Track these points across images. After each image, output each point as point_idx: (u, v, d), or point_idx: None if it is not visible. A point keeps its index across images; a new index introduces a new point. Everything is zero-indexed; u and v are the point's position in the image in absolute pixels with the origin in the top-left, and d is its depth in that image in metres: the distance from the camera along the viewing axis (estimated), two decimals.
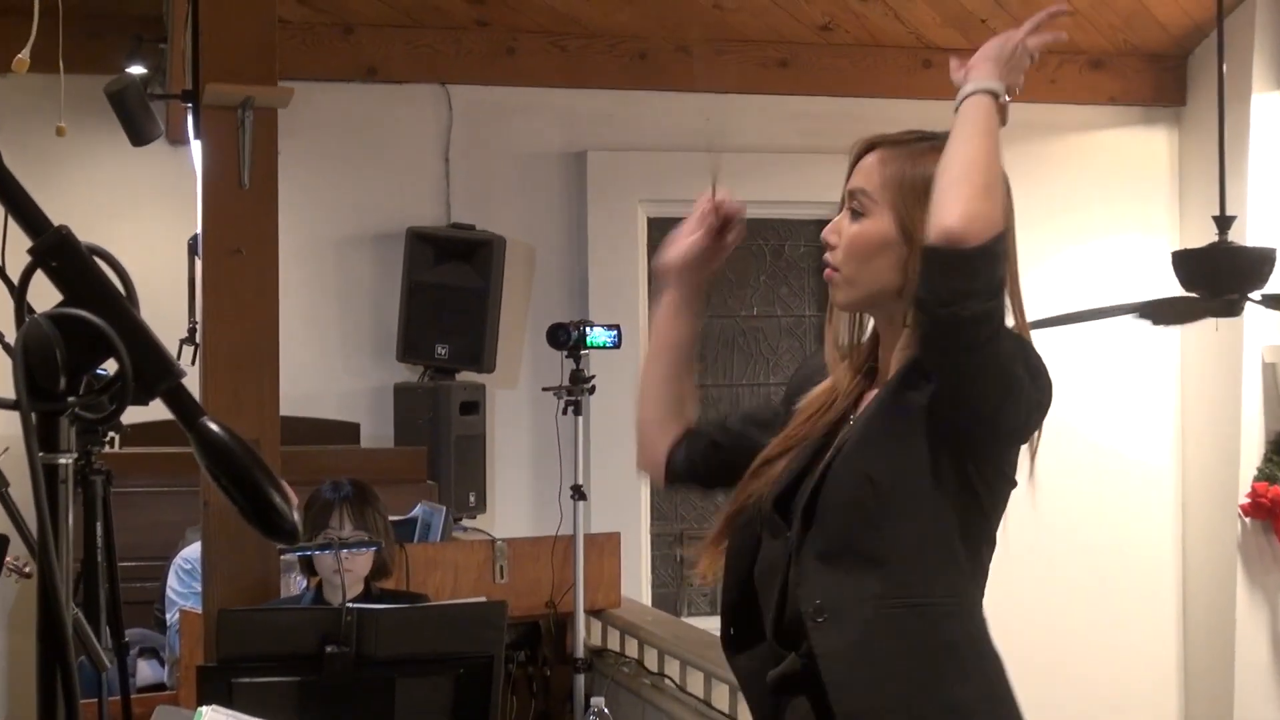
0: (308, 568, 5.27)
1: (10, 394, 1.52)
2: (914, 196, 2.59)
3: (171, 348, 4.88)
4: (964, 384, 2.46)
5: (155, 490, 6.98)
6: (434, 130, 8.65)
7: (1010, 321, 2.57)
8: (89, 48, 7.08)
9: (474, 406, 8.20)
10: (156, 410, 1.62)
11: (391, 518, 5.53)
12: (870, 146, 2.73)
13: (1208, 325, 7.09)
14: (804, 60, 8.94)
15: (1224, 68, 6.95)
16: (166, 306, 7.12)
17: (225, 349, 5.29)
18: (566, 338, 6.33)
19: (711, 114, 8.86)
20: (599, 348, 6.43)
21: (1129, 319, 6.77)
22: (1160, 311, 6.67)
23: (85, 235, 1.56)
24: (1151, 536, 9.38)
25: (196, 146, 5.61)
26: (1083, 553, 9.18)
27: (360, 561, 5.08)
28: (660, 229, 9.01)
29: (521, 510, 8.44)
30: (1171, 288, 6.75)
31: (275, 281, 5.36)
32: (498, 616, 4.81)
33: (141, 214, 8.24)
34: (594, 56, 8.72)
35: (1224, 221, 6.52)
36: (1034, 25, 2.70)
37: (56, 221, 1.55)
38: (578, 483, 6.38)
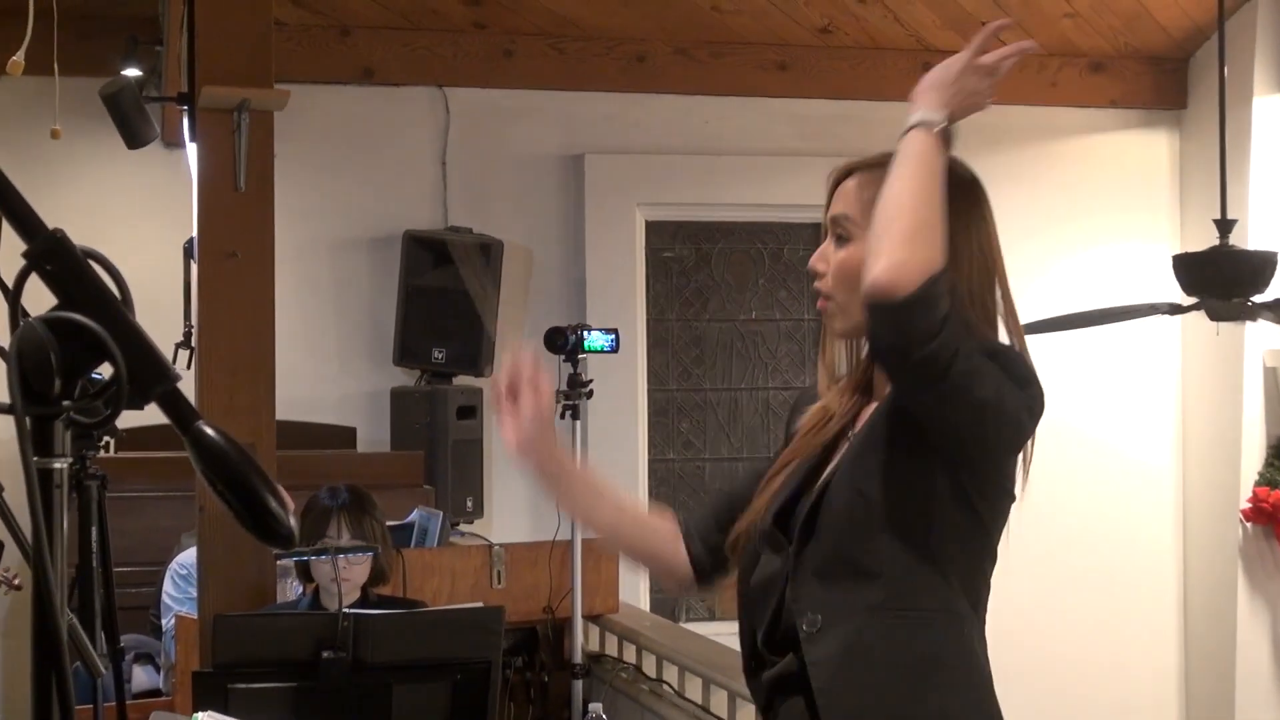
0: (304, 574, 5.24)
1: (5, 398, 1.50)
2: None
3: (167, 351, 4.85)
4: (933, 416, 2.49)
5: (151, 495, 6.96)
6: (431, 133, 8.64)
7: (1003, 327, 2.66)
8: (84, 50, 7.04)
9: (471, 411, 8.18)
10: (152, 414, 1.60)
11: (388, 523, 5.51)
12: (848, 172, 2.72)
13: (1209, 329, 7.08)
14: (803, 63, 8.93)
15: (1225, 70, 6.94)
16: (162, 310, 7.10)
17: (221, 353, 5.28)
18: (564, 342, 6.30)
19: (710, 117, 8.87)
20: (597, 352, 6.41)
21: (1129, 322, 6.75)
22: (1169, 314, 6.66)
23: (80, 238, 1.55)
24: (1152, 541, 9.37)
25: (192, 149, 5.60)
26: (1083, 557, 9.17)
27: (358, 570, 5.07)
28: (658, 232, 9.01)
29: (519, 515, 8.42)
30: (1172, 291, 6.73)
31: (271, 285, 5.35)
32: (495, 622, 4.80)
33: (137, 217, 8.22)
34: (592, 59, 8.71)
35: (1225, 225, 6.50)
36: (979, 44, 2.69)
37: (51, 225, 1.54)
38: None
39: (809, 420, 2.76)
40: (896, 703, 2.54)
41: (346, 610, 4.62)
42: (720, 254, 9.13)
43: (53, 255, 1.52)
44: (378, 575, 5.18)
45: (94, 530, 4.76)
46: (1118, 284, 8.96)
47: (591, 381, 6.41)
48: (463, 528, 7.94)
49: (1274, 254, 6.50)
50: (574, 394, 6.35)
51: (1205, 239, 6.64)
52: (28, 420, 1.49)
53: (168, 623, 5.95)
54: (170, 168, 8.04)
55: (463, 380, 8.27)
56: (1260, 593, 8.90)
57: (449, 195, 8.62)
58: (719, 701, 5.51)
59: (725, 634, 4.76)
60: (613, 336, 6.51)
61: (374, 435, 8.37)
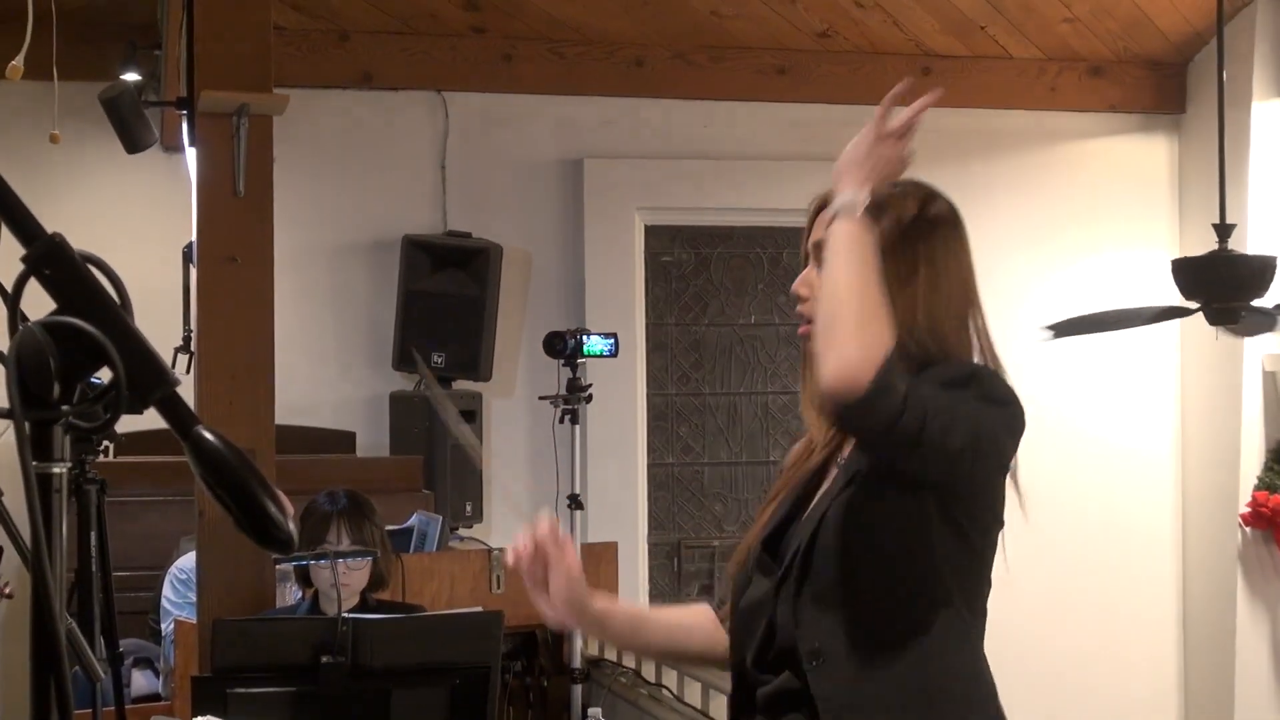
0: (303, 578, 5.24)
1: (4, 403, 1.50)
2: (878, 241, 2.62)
3: (166, 356, 4.85)
4: (915, 473, 2.53)
5: (150, 499, 6.96)
6: (430, 137, 8.64)
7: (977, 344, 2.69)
8: (83, 54, 7.05)
9: (470, 415, 8.18)
10: (151, 419, 1.60)
11: (387, 527, 5.51)
12: (827, 200, 2.73)
13: (1208, 333, 7.07)
14: (802, 67, 8.93)
15: (1224, 75, 6.93)
16: (161, 315, 7.10)
17: (220, 357, 5.28)
18: (563, 346, 6.32)
19: (709, 121, 8.87)
20: (596, 356, 6.42)
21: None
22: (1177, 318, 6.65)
23: (79, 243, 1.55)
24: (1152, 545, 9.36)
25: (191, 154, 5.60)
26: (1083, 561, 9.16)
27: (357, 576, 5.07)
28: (657, 237, 9.01)
29: (518, 520, 8.38)
30: (1171, 296, 6.73)
31: (270, 289, 5.35)
32: (494, 626, 4.80)
33: (135, 222, 8.22)
34: (591, 64, 8.71)
35: (1224, 229, 6.50)
36: (883, 114, 2.66)
37: (50, 229, 1.54)
38: (574, 492, 6.37)
39: (796, 453, 2.82)
40: None
41: (345, 615, 4.62)
42: (719, 258, 9.13)
43: (52, 260, 1.52)
44: (377, 580, 5.18)
45: (93, 535, 4.76)
46: (1117, 289, 8.95)
47: (590, 386, 6.42)
48: (462, 532, 7.94)
49: (1273, 258, 6.49)
50: (573, 398, 6.36)
51: (1204, 243, 6.63)
52: (27, 425, 1.49)
53: (167, 627, 5.95)
54: (169, 172, 8.04)
55: (462, 384, 8.27)
56: (1259, 597, 8.89)
57: (448, 200, 8.62)
58: (718, 706, 5.51)
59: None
60: (612, 341, 6.52)
61: (373, 440, 8.37)
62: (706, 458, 9.18)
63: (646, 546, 8.93)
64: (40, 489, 1.50)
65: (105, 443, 6.44)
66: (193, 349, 5.70)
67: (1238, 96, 8.46)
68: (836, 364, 2.39)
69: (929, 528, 2.56)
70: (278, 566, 5.34)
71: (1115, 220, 9.38)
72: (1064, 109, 9.30)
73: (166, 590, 6.17)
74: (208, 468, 1.54)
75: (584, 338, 6.37)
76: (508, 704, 6.46)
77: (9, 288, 1.55)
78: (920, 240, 2.64)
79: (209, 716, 4.09)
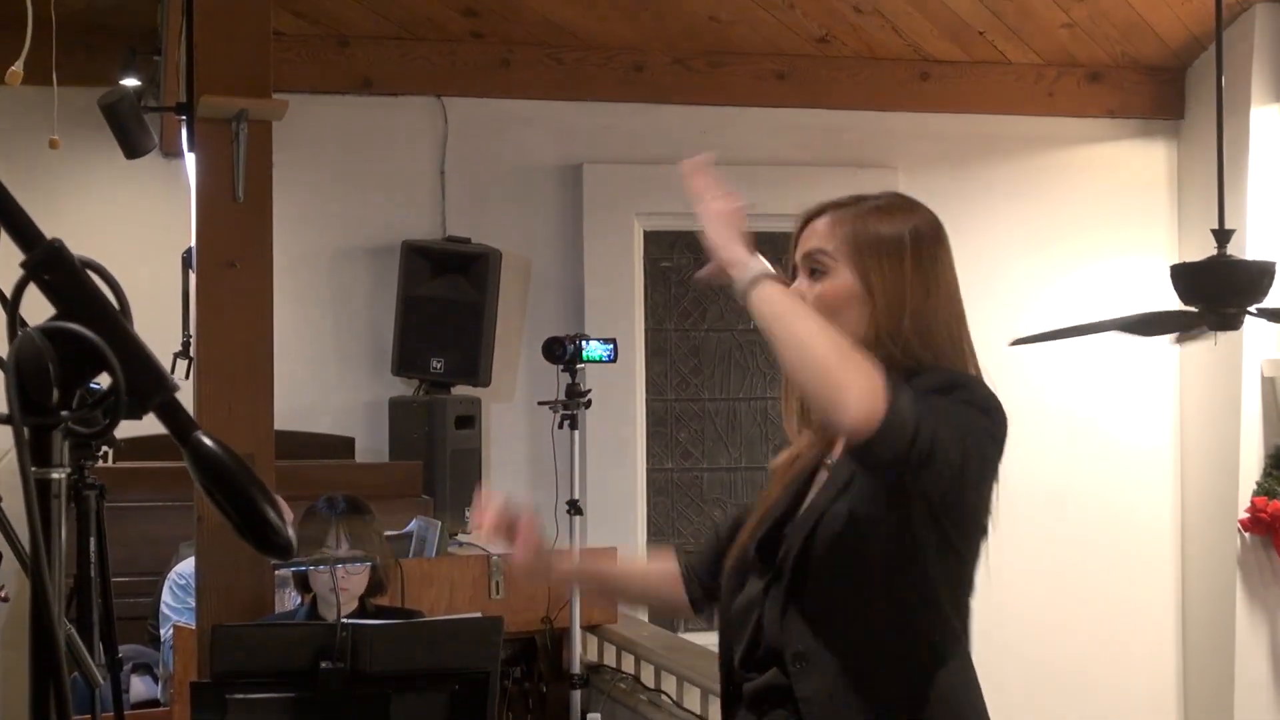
0: (302, 583, 5.24)
1: (3, 408, 1.50)
2: (870, 251, 2.68)
3: (165, 361, 4.85)
4: (911, 487, 2.54)
5: (149, 505, 6.95)
6: (429, 143, 8.64)
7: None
8: (83, 60, 7.06)
9: (469, 421, 8.18)
10: (150, 425, 1.60)
11: (386, 533, 5.51)
12: (819, 211, 2.78)
13: (1207, 339, 7.07)
14: (801, 72, 8.93)
15: (1222, 81, 6.93)
16: (160, 320, 7.11)
17: (219, 363, 5.28)
18: (562, 351, 6.31)
19: (708, 127, 8.87)
20: (595, 362, 6.42)
21: (1115, 334, 6.76)
22: (1157, 325, 6.65)
23: (78, 248, 1.54)
24: (1151, 550, 9.36)
25: (191, 159, 5.60)
26: (1082, 566, 9.16)
27: (356, 580, 5.06)
28: (656, 242, 9.00)
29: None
30: (1170, 301, 6.73)
31: (269, 295, 5.35)
32: (493, 632, 4.79)
33: (135, 227, 8.21)
34: (590, 69, 8.71)
35: (1223, 235, 6.49)
36: (695, 197, 2.74)
37: (49, 235, 1.53)
38: (574, 497, 6.37)
39: (782, 463, 2.85)
40: None
41: (345, 620, 4.62)
42: None
43: (51, 265, 1.52)
44: (376, 585, 5.17)
45: (92, 540, 4.75)
46: (1116, 294, 8.96)
47: (590, 391, 6.42)
48: (461, 538, 7.93)
49: (1272, 263, 6.49)
50: (572, 404, 6.36)
51: (1203, 249, 6.63)
52: (26, 430, 1.49)
53: (166, 633, 5.95)
54: (169, 178, 8.04)
55: (461, 390, 8.27)
56: (1259, 602, 8.89)
57: (447, 205, 8.62)
58: (717, 711, 5.50)
59: None
60: (611, 346, 6.51)
61: (372, 445, 8.37)
62: (705, 463, 9.17)
63: (646, 552, 8.93)
64: (39, 494, 1.50)
65: (104, 448, 6.43)
66: (192, 354, 5.69)
67: (1236, 102, 8.47)
68: (853, 403, 2.40)
69: (918, 536, 2.59)
70: (277, 572, 5.34)
71: (1114, 226, 9.38)
72: (1062, 114, 9.31)
73: (166, 596, 6.17)
74: (207, 473, 1.54)
75: (583, 343, 6.37)
76: (507, 709, 6.46)
77: (8, 293, 1.55)
78: (909, 249, 2.68)
79: None
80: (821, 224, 2.76)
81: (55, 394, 1.50)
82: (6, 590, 6.13)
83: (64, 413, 1.51)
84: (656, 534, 9.01)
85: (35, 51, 5.55)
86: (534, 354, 7.21)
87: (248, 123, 5.24)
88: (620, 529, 8.35)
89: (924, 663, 2.62)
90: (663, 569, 3.07)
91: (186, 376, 6.10)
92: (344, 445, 8.32)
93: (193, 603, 5.56)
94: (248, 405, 5.27)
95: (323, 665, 4.46)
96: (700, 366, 9.17)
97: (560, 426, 6.41)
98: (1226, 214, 6.68)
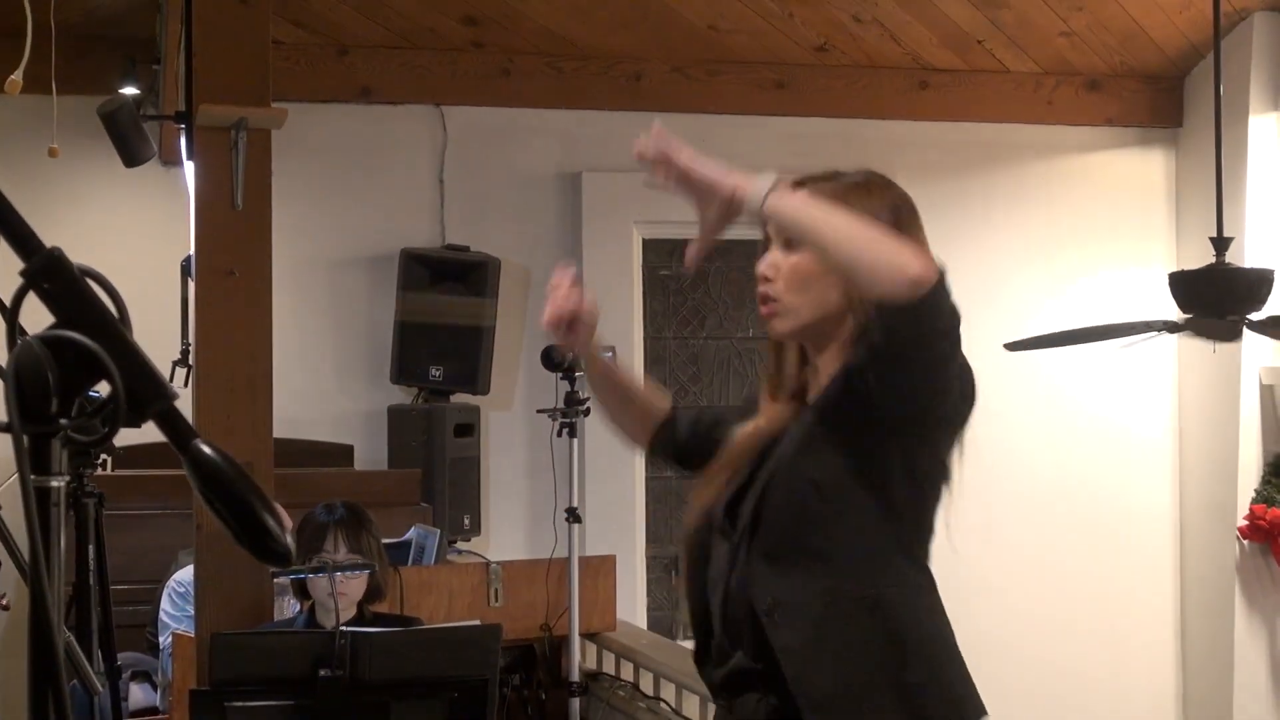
0: (300, 591, 5.24)
1: (2, 417, 1.50)
2: None
3: (164, 369, 4.85)
4: (935, 384, 2.62)
5: (148, 513, 6.96)
6: (428, 151, 8.64)
7: None
8: (82, 69, 7.06)
9: (468, 429, 8.18)
10: (149, 432, 1.60)
11: (385, 540, 5.51)
12: (797, 184, 2.81)
13: (1204, 346, 7.08)
14: (800, 81, 8.94)
15: (1221, 89, 6.94)
16: (159, 328, 7.11)
17: (218, 371, 5.28)
18: (561, 360, 6.31)
19: (707, 136, 8.87)
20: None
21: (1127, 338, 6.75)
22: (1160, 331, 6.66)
23: (77, 256, 1.54)
24: (1150, 558, 9.36)
25: (190, 168, 5.60)
26: (1081, 575, 9.16)
27: (354, 585, 5.06)
28: (655, 250, 9.01)
29: (516, 533, 8.42)
30: (1169, 309, 6.73)
31: (268, 303, 5.35)
32: (492, 640, 4.79)
33: (134, 235, 8.21)
34: (589, 78, 8.72)
35: (1221, 243, 6.50)
36: (675, 149, 2.85)
37: (49, 243, 1.53)
38: (573, 505, 6.37)
39: (747, 431, 2.88)
40: (867, 682, 2.64)
41: (343, 628, 4.62)
42: (717, 272, 9.13)
43: (50, 274, 1.52)
44: (374, 591, 5.17)
45: (91, 548, 4.75)
46: (1114, 302, 8.97)
47: (589, 399, 6.41)
48: (460, 545, 7.94)
49: (1270, 271, 6.50)
50: (571, 412, 6.36)
51: (1201, 257, 6.63)
52: (25, 439, 1.49)
53: (165, 640, 5.95)
54: (168, 186, 8.04)
55: (460, 398, 8.28)
56: (1257, 610, 8.89)
57: (446, 214, 8.62)
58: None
59: None
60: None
61: (371, 453, 8.37)
62: None
63: (645, 560, 8.93)
64: (39, 502, 1.50)
65: (103, 456, 6.44)
66: (191, 362, 5.70)
67: (1234, 110, 8.48)
68: (907, 265, 2.46)
69: (885, 481, 2.65)
70: (275, 580, 5.34)
71: (1112, 234, 9.39)
72: (1061, 123, 9.32)
73: (164, 603, 6.17)
74: (206, 481, 1.54)
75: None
76: (506, 717, 6.46)
77: (7, 302, 1.56)
78: (889, 222, 2.70)
79: None
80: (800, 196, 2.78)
81: (54, 402, 1.50)
82: (8, 598, 6.13)
83: (63, 421, 1.51)
84: (655, 541, 9.01)
85: (35, 60, 5.56)
86: (533, 362, 7.21)
87: (247, 131, 5.24)
88: (619, 537, 8.35)
89: (897, 604, 2.66)
90: (655, 400, 3.15)
91: (185, 384, 6.11)
92: (343, 453, 8.32)
93: (192, 610, 5.56)
94: (247, 413, 5.27)
95: (322, 673, 4.46)
96: (699, 374, 9.17)
97: (559, 434, 6.42)
98: (1225, 222, 6.69)
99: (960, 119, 9.10)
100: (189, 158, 5.56)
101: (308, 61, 8.35)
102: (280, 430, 5.55)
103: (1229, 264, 6.56)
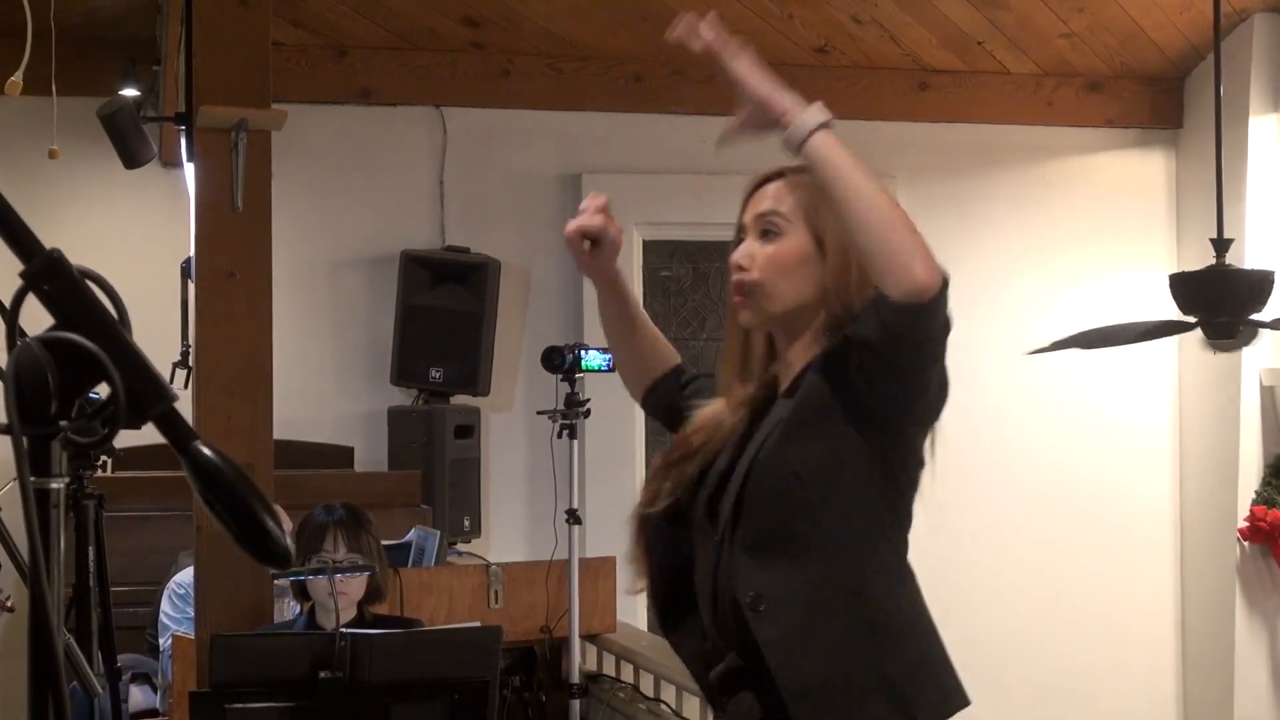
0: (300, 592, 5.24)
1: (2, 418, 1.50)
2: (824, 214, 2.73)
3: (164, 371, 4.85)
4: (922, 381, 2.62)
5: (148, 514, 6.95)
6: (428, 153, 8.65)
7: None
8: (82, 70, 7.06)
9: (469, 430, 8.18)
10: (149, 434, 1.60)
11: (386, 542, 5.51)
12: (775, 175, 2.88)
13: (1205, 348, 7.07)
14: (800, 83, 8.74)
15: (1221, 90, 6.93)
16: (159, 330, 7.10)
17: (218, 372, 5.28)
18: (561, 361, 6.31)
19: (707, 137, 8.87)
20: (594, 371, 6.41)
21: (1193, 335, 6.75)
22: (1173, 333, 6.65)
23: (77, 258, 1.54)
24: (1150, 560, 9.36)
25: (190, 169, 5.60)
26: (1082, 576, 9.16)
27: (354, 585, 5.06)
28: (655, 251, 9.01)
29: (517, 535, 8.42)
30: (1169, 310, 6.73)
31: (268, 305, 5.35)
32: (492, 641, 4.79)
33: (134, 237, 8.22)
34: (589, 79, 8.72)
35: (1222, 244, 6.50)
36: (724, 49, 2.78)
37: (48, 244, 1.53)
38: (573, 507, 6.36)
39: (713, 414, 2.86)
40: (850, 670, 2.63)
41: (344, 630, 4.62)
42: (717, 273, 9.12)
43: (50, 275, 1.52)
44: (374, 593, 5.17)
45: (91, 550, 4.75)
46: (1114, 304, 8.96)
47: (589, 401, 6.42)
48: (460, 547, 7.94)
49: (1271, 273, 6.49)
50: (571, 413, 6.35)
51: (1202, 258, 6.63)
52: (25, 440, 1.49)
53: (165, 642, 5.94)
54: (168, 188, 8.04)
55: (460, 399, 8.28)
56: (1258, 611, 8.89)
57: (446, 215, 8.62)
58: None
59: None
60: (610, 356, 6.50)
61: (371, 455, 8.37)
62: None
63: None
64: (38, 504, 1.50)
65: (103, 458, 6.43)
66: (191, 364, 5.70)
67: (1235, 111, 8.47)
68: (916, 269, 2.46)
69: (866, 472, 2.65)
70: (275, 582, 5.34)
71: (1112, 235, 9.39)
72: (1061, 124, 9.31)
73: (165, 605, 6.17)
74: (206, 483, 1.54)
75: (582, 352, 6.36)
76: (506, 719, 6.46)
77: (7, 303, 1.55)
78: None
79: None
80: (774, 188, 2.84)
81: (54, 404, 1.50)
82: (12, 600, 6.12)
83: (63, 422, 1.51)
84: None
85: (35, 62, 5.57)
86: (533, 363, 7.21)
87: (247, 133, 5.24)
88: (620, 538, 8.29)
89: (879, 593, 2.66)
90: (664, 347, 3.12)
91: (185, 386, 6.10)
92: (343, 455, 8.32)
93: (192, 612, 5.56)
94: (247, 415, 5.27)
95: (322, 675, 4.46)
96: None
97: (559, 436, 6.41)
98: (1225, 223, 6.68)
99: (960, 120, 9.10)
100: (189, 159, 5.56)
101: (308, 63, 8.35)
102: (280, 432, 5.54)
103: (1229, 265, 6.56)
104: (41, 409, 1.50)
